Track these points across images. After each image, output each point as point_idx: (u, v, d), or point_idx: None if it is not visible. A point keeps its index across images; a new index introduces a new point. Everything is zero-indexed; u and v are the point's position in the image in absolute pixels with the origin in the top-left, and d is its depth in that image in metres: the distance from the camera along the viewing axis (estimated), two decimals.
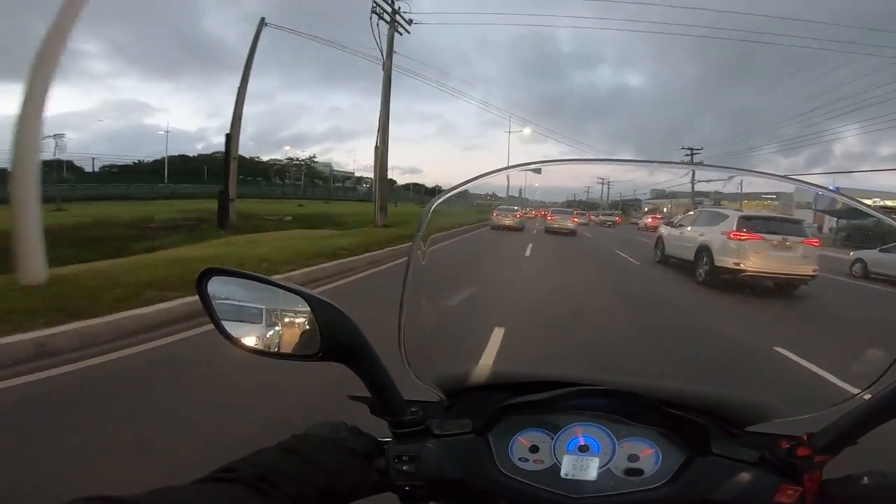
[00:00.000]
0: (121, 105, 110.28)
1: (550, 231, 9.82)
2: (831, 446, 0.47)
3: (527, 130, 37.94)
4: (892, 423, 0.46)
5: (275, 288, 0.49)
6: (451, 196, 0.60)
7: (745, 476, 0.50)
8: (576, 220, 10.82)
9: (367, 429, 0.53)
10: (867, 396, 0.47)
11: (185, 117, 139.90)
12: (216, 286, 0.50)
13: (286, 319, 0.50)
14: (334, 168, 78.35)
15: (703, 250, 6.62)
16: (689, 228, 7.75)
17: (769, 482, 0.49)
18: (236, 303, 0.51)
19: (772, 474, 0.49)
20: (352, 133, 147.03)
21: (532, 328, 3.71)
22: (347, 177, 75.38)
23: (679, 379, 1.27)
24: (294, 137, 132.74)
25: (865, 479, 0.46)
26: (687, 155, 33.27)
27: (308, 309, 0.48)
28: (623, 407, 0.52)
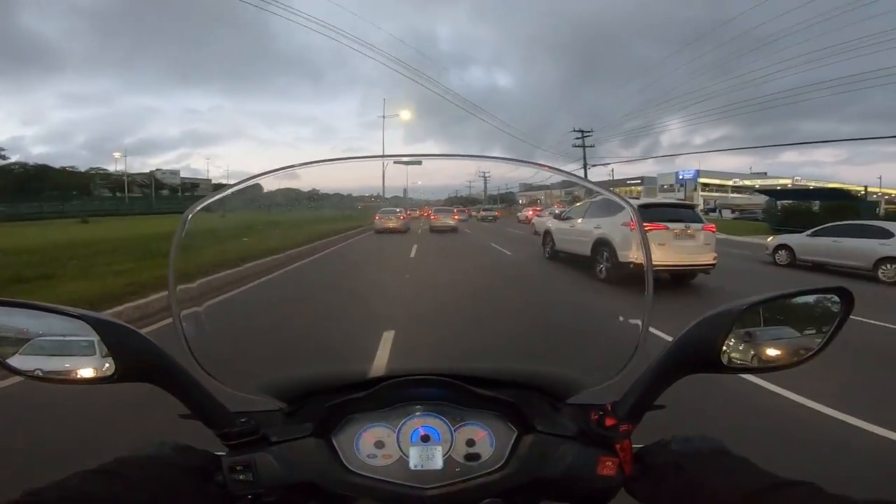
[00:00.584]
0: None
1: (434, 230, 9.43)
2: (632, 413, 0.50)
3: (405, 113, 35.74)
4: (685, 387, 0.53)
5: (54, 314, 0.49)
6: (214, 202, 0.57)
7: (567, 451, 0.52)
8: (455, 217, 10.99)
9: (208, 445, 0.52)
10: (647, 362, 0.52)
11: None
12: None
13: (75, 344, 0.50)
14: (182, 176, 68.81)
15: (602, 245, 6.38)
16: (580, 221, 7.58)
17: (589, 455, 0.51)
18: (16, 332, 0.50)
19: (590, 447, 0.52)
20: (213, 137, 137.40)
21: (376, 328, 3.71)
22: (195, 185, 66.47)
23: (506, 359, 1.31)
24: (142, 144, 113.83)
25: (672, 444, 0.49)
26: (578, 138, 34.65)
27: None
28: (449, 393, 0.56)
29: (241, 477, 0.49)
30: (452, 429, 0.54)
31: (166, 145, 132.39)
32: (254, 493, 0.50)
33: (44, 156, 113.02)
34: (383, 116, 33.78)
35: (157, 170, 66.92)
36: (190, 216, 0.54)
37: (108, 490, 0.40)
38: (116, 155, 64.18)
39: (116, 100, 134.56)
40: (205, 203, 0.55)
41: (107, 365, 0.47)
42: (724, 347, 0.47)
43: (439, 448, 0.53)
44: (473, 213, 25.80)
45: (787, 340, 0.51)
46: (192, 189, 64.04)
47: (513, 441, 0.54)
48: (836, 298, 0.51)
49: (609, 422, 0.50)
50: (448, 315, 3.78)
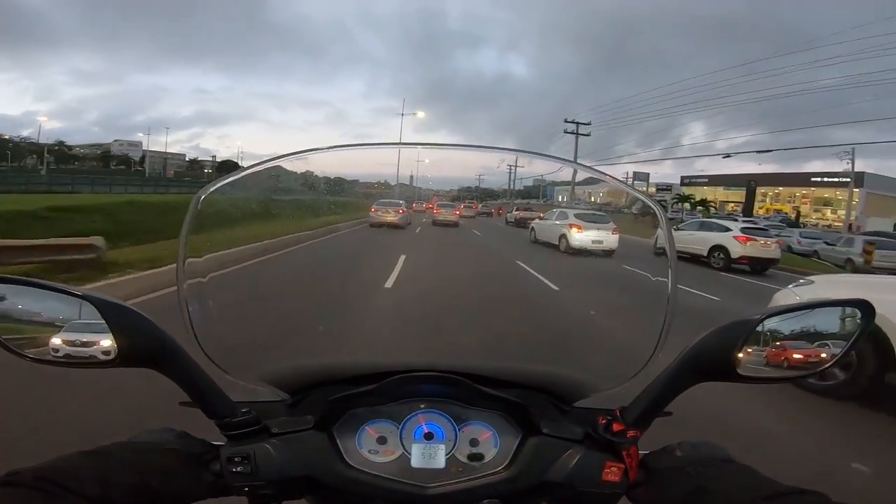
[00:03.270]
0: None
1: (438, 223, 9.93)
2: (641, 419, 0.53)
3: (420, 114, 39.13)
4: (696, 394, 0.53)
5: (59, 293, 0.50)
6: (226, 184, 0.59)
7: (572, 455, 0.55)
8: (458, 213, 11.08)
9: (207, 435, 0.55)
10: (658, 366, 0.55)
11: (6, 101, 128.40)
12: None
13: (78, 326, 0.52)
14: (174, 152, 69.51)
15: None
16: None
17: (595, 460, 0.54)
18: (18, 312, 0.51)
19: (596, 451, 0.54)
20: (224, 118, 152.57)
21: (380, 320, 3.91)
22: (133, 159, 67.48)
23: (512, 360, 1.37)
24: (154, 122, 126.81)
25: (678, 451, 0.53)
26: (571, 130, 34.21)
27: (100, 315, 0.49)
28: (456, 391, 0.59)
29: (238, 469, 0.52)
30: (457, 427, 0.57)
31: (179, 125, 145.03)
32: (250, 486, 0.52)
33: (56, 131, 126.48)
34: (402, 114, 37.69)
35: (116, 141, 68.43)
36: (203, 197, 0.56)
37: (97, 471, 0.42)
38: (43, 119, 63.99)
39: (126, 78, 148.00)
40: (217, 185, 0.58)
41: (109, 348, 0.49)
42: (740, 356, 0.50)
43: (442, 447, 0.56)
44: (498, 212, 21.05)
45: (802, 350, 0.54)
46: (131, 164, 62.43)
47: (517, 443, 0.57)
48: (857, 311, 0.54)
49: (617, 427, 0.53)
50: (453, 313, 3.84)
